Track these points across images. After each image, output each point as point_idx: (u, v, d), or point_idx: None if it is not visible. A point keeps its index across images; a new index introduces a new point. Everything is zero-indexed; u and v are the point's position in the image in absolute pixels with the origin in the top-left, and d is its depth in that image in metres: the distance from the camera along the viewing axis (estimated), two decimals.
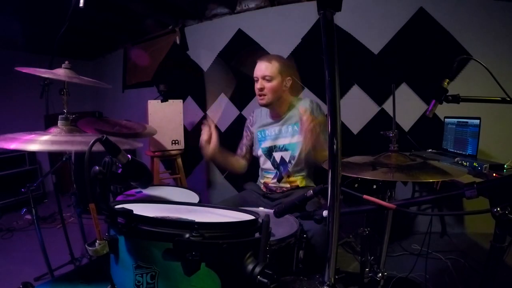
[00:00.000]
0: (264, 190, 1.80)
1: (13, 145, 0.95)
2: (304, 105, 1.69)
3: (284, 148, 1.75)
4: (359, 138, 2.70)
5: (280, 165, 1.76)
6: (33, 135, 1.03)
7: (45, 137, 1.05)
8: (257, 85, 1.69)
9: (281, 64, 1.69)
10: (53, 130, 1.19)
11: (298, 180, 1.75)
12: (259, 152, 1.83)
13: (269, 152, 1.80)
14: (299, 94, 1.91)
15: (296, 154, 1.71)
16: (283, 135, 1.75)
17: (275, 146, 1.78)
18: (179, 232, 0.63)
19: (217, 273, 0.66)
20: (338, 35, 0.57)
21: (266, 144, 1.80)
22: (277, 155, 1.77)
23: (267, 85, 1.67)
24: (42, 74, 1.31)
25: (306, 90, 2.69)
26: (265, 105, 1.73)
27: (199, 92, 3.37)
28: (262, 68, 1.68)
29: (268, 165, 1.80)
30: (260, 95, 1.70)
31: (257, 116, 1.89)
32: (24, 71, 1.25)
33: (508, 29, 2.27)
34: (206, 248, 0.62)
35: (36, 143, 0.99)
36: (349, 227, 2.33)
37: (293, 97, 1.81)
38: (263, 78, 1.67)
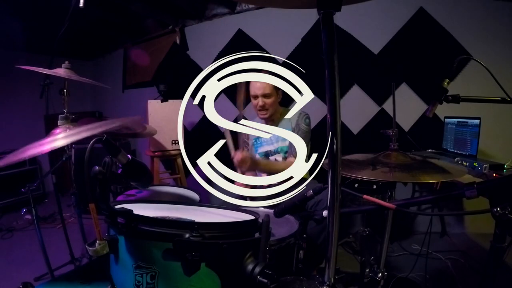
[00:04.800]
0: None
1: (29, 152, 0.94)
2: (292, 117, 1.78)
3: (277, 151, 1.87)
4: (359, 138, 2.70)
5: None
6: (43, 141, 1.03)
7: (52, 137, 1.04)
8: (259, 102, 1.77)
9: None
10: (58, 130, 1.19)
11: None
12: (257, 157, 1.92)
13: (265, 156, 1.90)
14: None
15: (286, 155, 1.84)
16: (275, 140, 1.87)
17: (271, 151, 1.89)
18: (179, 232, 0.63)
19: (217, 273, 0.66)
20: (338, 35, 0.57)
21: (262, 149, 1.92)
22: (272, 159, 1.89)
23: (268, 101, 1.77)
24: (42, 71, 1.31)
25: None
26: (267, 119, 1.82)
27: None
28: (262, 87, 1.74)
29: None
30: (261, 111, 1.80)
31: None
32: (24, 68, 1.25)
33: (508, 29, 2.27)
34: (206, 248, 0.62)
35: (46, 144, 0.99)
36: (349, 227, 2.33)
37: (283, 108, 1.89)
38: (264, 95, 1.75)
